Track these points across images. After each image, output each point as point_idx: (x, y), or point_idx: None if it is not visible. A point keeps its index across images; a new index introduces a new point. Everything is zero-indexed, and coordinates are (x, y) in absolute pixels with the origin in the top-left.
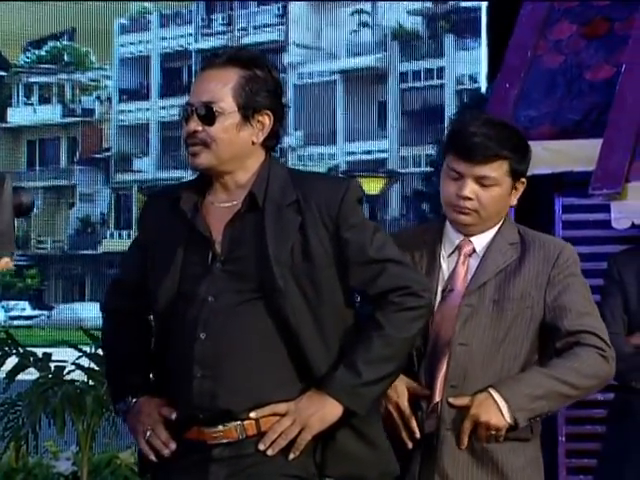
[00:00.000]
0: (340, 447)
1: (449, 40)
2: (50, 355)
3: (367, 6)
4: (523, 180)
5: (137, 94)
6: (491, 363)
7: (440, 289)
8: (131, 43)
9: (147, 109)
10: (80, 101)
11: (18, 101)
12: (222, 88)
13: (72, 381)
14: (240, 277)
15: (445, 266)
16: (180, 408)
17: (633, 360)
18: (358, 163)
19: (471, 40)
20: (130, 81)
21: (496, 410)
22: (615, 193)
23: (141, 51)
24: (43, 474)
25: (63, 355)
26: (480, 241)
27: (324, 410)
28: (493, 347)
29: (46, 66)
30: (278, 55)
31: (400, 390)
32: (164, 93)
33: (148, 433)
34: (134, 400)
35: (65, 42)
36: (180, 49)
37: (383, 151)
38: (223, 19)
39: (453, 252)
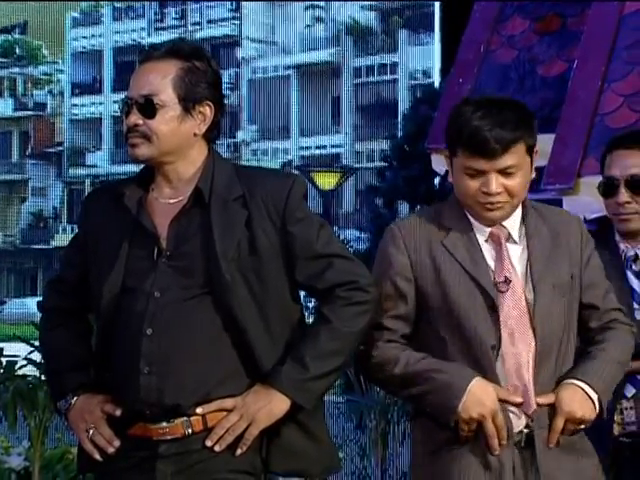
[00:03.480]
0: (285, 442)
1: (403, 35)
2: (1, 350)
3: (321, 1)
4: (536, 149)
5: (90, 88)
6: (561, 351)
7: (494, 279)
8: (84, 37)
9: (100, 103)
10: (32, 95)
11: None
12: (162, 80)
13: (24, 376)
14: (186, 272)
15: (487, 255)
16: (126, 404)
17: None
18: (312, 158)
19: (424, 35)
20: (83, 75)
21: (590, 404)
22: (567, 188)
23: (94, 45)
24: None
25: (15, 350)
26: (511, 224)
27: (271, 405)
28: (563, 335)
29: None
30: (232, 50)
31: (492, 398)
32: (117, 87)
33: (91, 431)
34: (75, 398)
35: (17, 36)
36: (133, 43)
37: (337, 146)
38: (176, 13)
39: (487, 240)
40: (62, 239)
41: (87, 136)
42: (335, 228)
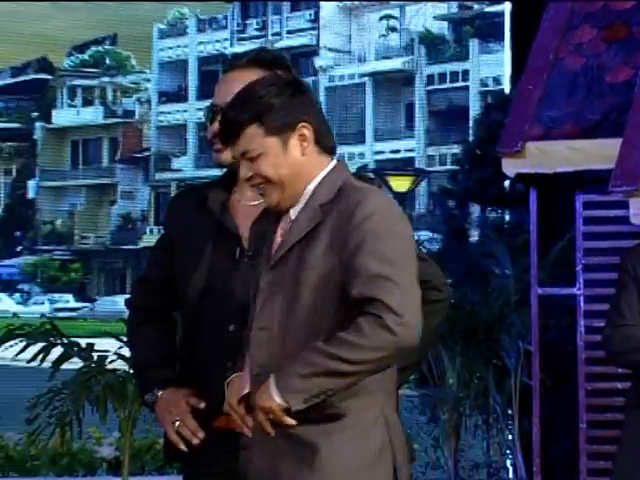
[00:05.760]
0: None
1: (474, 44)
2: (93, 345)
3: (395, 11)
4: (303, 124)
5: (175, 96)
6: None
7: None
8: (169, 47)
9: (185, 110)
10: (121, 103)
11: (62, 103)
12: None
13: (114, 370)
14: None
15: None
16: (210, 398)
17: None
18: (386, 162)
19: (495, 43)
20: (169, 84)
21: (268, 394)
22: (633, 190)
23: (179, 55)
24: (87, 459)
25: (105, 345)
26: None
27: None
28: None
29: (89, 70)
30: (310, 59)
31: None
32: (201, 95)
33: (177, 423)
34: (161, 391)
35: (107, 47)
36: (216, 53)
37: (410, 150)
38: (257, 24)
39: None
40: (149, 240)
41: (173, 142)
42: None
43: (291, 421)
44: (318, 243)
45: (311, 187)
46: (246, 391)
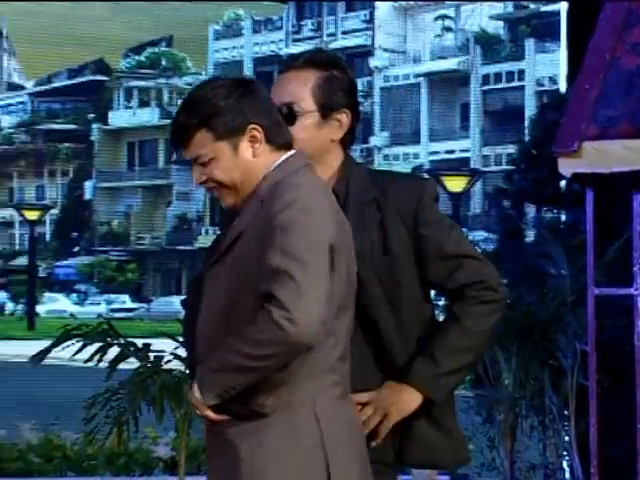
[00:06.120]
0: (417, 435)
1: (529, 43)
2: (149, 345)
3: (451, 11)
4: (252, 126)
5: None
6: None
7: None
8: (225, 49)
9: None
10: (177, 104)
11: (119, 105)
12: (302, 89)
13: (170, 370)
14: None
15: None
16: None
17: None
18: (441, 162)
19: (551, 43)
20: None
21: (193, 388)
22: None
23: (234, 56)
24: (143, 458)
25: (161, 345)
26: None
27: (404, 399)
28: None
29: (145, 71)
30: (365, 59)
31: None
32: None
33: None
34: None
35: (163, 48)
36: (272, 54)
37: (465, 150)
38: (313, 25)
39: None
40: (205, 241)
41: None
42: (464, 229)
43: (214, 416)
44: (250, 238)
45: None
46: None
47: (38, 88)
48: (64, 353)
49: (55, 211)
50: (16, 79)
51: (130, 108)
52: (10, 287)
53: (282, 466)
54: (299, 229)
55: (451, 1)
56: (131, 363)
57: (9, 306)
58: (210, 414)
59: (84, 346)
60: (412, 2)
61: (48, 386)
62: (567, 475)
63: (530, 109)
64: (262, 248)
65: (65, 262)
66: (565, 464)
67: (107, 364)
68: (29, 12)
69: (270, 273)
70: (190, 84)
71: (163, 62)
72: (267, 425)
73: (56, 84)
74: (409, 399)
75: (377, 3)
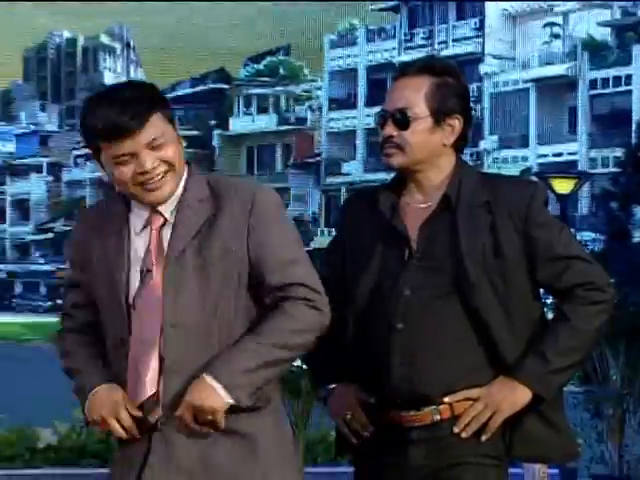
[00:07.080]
0: (527, 430)
1: (637, 49)
2: None
3: (559, 18)
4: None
5: (345, 103)
6: (208, 338)
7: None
8: (340, 57)
9: (354, 117)
10: (294, 110)
11: (239, 111)
12: (415, 95)
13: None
14: (435, 272)
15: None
16: (377, 393)
17: None
18: (549, 165)
19: None
20: (338, 91)
21: (211, 392)
22: None
23: (349, 64)
24: None
25: None
26: (167, 208)
27: (514, 395)
28: (208, 320)
29: (264, 79)
30: (475, 65)
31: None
32: (370, 102)
33: (348, 416)
34: (333, 386)
35: (281, 57)
36: (385, 62)
37: (573, 153)
38: (424, 33)
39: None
40: (320, 241)
41: (342, 147)
42: (572, 230)
43: (223, 422)
44: (216, 236)
45: (181, 186)
46: (149, 393)
47: None
48: None
49: None
50: None
51: (249, 115)
52: None
53: (289, 452)
54: (286, 222)
55: (559, 1)
56: None
57: None
58: (222, 421)
59: None
60: (520, 8)
61: None
62: None
63: (637, 113)
64: (249, 242)
65: None
66: None
67: None
68: (154, 26)
69: (283, 266)
70: (307, 91)
71: (281, 70)
72: (269, 413)
73: (179, 92)
74: (519, 395)
75: (487, 11)
